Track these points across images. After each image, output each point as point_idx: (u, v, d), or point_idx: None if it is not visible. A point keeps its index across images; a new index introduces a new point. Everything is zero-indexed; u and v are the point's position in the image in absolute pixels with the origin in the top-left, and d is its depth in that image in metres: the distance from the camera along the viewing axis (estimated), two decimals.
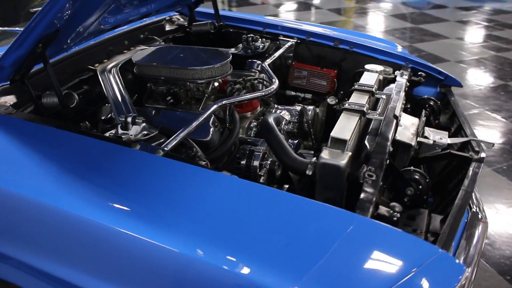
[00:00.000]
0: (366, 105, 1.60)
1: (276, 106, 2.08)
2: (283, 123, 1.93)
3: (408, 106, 1.97)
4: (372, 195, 1.20)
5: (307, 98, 2.34)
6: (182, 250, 0.97)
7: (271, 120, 1.61)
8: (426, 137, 1.61)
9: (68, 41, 1.56)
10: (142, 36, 2.29)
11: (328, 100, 2.08)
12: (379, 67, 2.00)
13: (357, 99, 1.70)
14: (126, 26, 2.16)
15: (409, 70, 2.13)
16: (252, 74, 2.07)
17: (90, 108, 1.83)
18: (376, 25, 7.10)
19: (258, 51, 2.33)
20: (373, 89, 1.74)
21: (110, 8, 1.60)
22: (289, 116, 1.98)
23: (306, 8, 8.11)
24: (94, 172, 1.20)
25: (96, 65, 1.93)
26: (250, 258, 0.96)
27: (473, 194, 1.43)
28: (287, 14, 7.49)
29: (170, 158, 1.25)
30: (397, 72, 2.03)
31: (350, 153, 1.38)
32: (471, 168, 1.49)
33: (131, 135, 1.43)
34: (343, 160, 1.34)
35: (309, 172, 1.39)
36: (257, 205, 1.12)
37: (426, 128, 1.68)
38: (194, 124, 1.51)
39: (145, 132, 1.47)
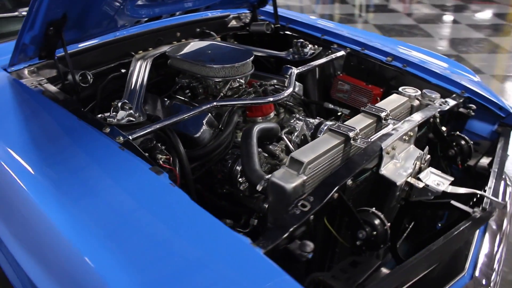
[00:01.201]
0: (357, 130, 1.42)
1: (296, 116, 1.98)
2: (292, 134, 1.83)
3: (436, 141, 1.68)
4: (289, 227, 1.08)
5: (345, 113, 2.17)
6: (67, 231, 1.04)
7: (253, 128, 1.56)
8: (419, 178, 1.36)
9: (92, 28, 1.74)
10: (198, 30, 2.39)
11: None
12: (414, 91, 1.75)
13: (357, 121, 1.53)
14: (181, 18, 2.29)
15: (461, 99, 1.81)
16: (282, 79, 2.01)
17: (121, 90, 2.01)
18: None
19: (306, 57, 2.24)
20: (382, 114, 1.54)
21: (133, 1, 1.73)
22: (303, 128, 1.87)
23: (438, 20, 7.32)
24: (48, 141, 1.33)
25: (140, 52, 2.11)
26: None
27: None
28: (421, 24, 6.88)
29: (126, 148, 1.31)
30: (438, 100, 1.75)
31: (304, 177, 1.26)
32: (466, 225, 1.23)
33: (116, 119, 1.54)
34: (291, 183, 1.24)
35: (259, 188, 1.32)
36: (162, 212, 1.11)
37: (429, 169, 1.42)
38: (174, 119, 1.56)
39: (130, 118, 1.57)
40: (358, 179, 1.30)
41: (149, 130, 1.47)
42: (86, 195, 1.14)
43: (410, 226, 1.51)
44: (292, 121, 1.91)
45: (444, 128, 1.71)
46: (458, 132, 1.70)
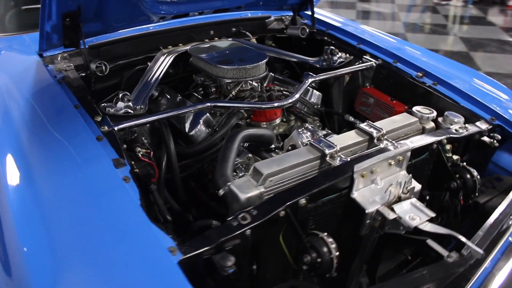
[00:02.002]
0: (336, 147, 1.32)
1: (306, 125, 1.90)
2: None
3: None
4: (218, 238, 1.05)
5: None
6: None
7: (238, 133, 1.52)
8: (393, 209, 1.22)
9: (114, 21, 1.83)
10: (234, 29, 2.40)
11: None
12: (429, 112, 1.58)
13: (345, 138, 1.43)
14: (217, 16, 2.32)
15: (487, 127, 1.60)
16: (295, 86, 1.95)
17: None
18: None
19: (334, 65, 2.14)
20: (375, 133, 1.41)
21: None
22: (294, 138, 1.79)
23: None
24: (39, 122, 1.44)
25: (169, 47, 2.18)
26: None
27: None
28: None
29: (108, 137, 1.37)
30: (458, 125, 1.56)
31: (262, 190, 1.21)
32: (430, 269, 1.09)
33: (114, 109, 1.61)
34: (246, 193, 1.20)
35: (220, 193, 1.29)
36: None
37: (411, 200, 1.27)
38: (166, 114, 1.59)
39: (127, 110, 1.63)
40: (320, 199, 1.21)
41: (136, 122, 1.52)
42: (42, 175, 1.21)
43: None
44: (300, 130, 1.84)
45: (455, 157, 1.52)
46: (464, 164, 1.49)
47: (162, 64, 1.99)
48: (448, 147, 1.50)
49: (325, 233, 1.14)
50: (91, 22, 1.78)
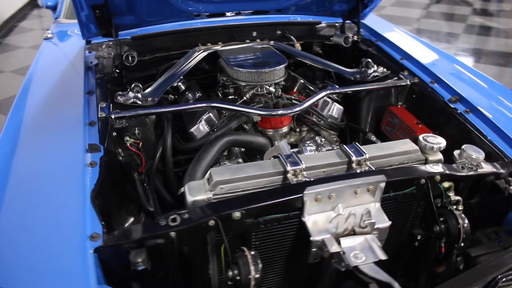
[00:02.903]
0: (301, 165, 1.24)
1: (316, 138, 1.80)
2: None
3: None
4: (139, 234, 1.07)
5: None
6: None
7: (222, 137, 1.52)
8: (339, 242, 1.11)
9: (146, 16, 1.94)
10: (279, 32, 2.37)
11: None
12: (436, 142, 1.39)
13: (322, 156, 1.33)
14: (263, 18, 2.30)
15: (506, 170, 1.36)
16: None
17: None
18: None
19: (367, 79, 2.00)
20: (354, 157, 1.29)
21: None
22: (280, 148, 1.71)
23: None
24: (51, 101, 1.61)
25: (208, 44, 2.24)
26: None
27: None
28: None
29: (101, 123, 1.48)
30: (465, 162, 1.35)
31: (210, 195, 1.20)
32: None
33: (123, 98, 1.71)
34: (194, 196, 1.20)
35: (179, 192, 1.31)
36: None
37: (367, 236, 1.13)
38: (162, 109, 1.65)
39: (135, 100, 1.72)
40: (263, 217, 1.15)
41: (134, 113, 1.59)
42: (24, 147, 1.35)
43: None
44: (308, 143, 1.77)
45: (456, 198, 1.32)
46: (454, 207, 1.28)
47: (192, 60, 2.05)
48: (447, 184, 1.31)
49: (253, 252, 1.08)
50: (123, 15, 1.91)
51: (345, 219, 1.13)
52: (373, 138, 1.87)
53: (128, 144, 1.55)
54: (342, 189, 1.17)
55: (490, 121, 1.54)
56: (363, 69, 2.03)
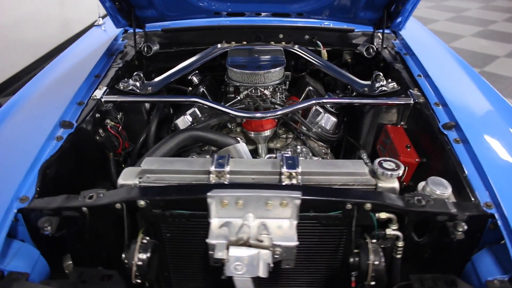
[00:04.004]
0: (226, 168, 1.24)
1: (298, 147, 1.75)
2: None
3: None
4: (56, 204, 1.18)
5: None
6: None
7: (181, 132, 1.57)
8: (227, 249, 1.08)
9: (168, 11, 2.06)
10: (307, 37, 2.32)
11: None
12: (391, 168, 1.26)
13: (255, 164, 1.31)
14: (292, 20, 2.28)
15: (457, 212, 1.18)
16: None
17: None
18: None
19: (373, 93, 1.86)
20: (285, 169, 1.24)
21: None
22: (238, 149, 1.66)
23: None
24: (62, 77, 1.82)
25: (233, 43, 2.29)
26: None
27: None
28: None
29: (87, 104, 1.65)
30: (431, 195, 1.21)
31: (136, 182, 1.28)
32: None
33: (123, 85, 1.85)
34: (123, 180, 1.28)
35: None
36: None
37: (258, 251, 1.08)
38: (150, 99, 1.76)
39: (133, 88, 1.85)
40: (170, 210, 1.18)
41: (122, 99, 1.74)
42: (12, 115, 1.57)
43: None
44: (286, 151, 1.74)
45: (396, 233, 1.19)
46: (368, 239, 1.14)
47: (208, 56, 2.12)
48: (384, 216, 1.18)
49: (146, 240, 1.13)
50: (145, 9, 2.06)
51: (238, 228, 1.10)
52: (364, 156, 1.75)
53: (108, 127, 1.68)
54: (249, 198, 1.14)
55: (475, 157, 1.34)
56: (372, 82, 1.90)
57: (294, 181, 1.24)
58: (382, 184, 1.26)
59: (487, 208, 1.18)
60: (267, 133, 1.77)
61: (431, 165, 1.52)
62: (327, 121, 1.84)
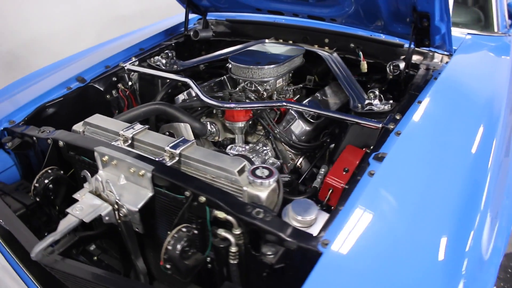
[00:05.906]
0: (130, 135, 1.44)
1: (258, 145, 1.78)
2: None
3: None
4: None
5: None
6: None
7: (156, 104, 1.78)
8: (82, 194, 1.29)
9: (215, 2, 2.29)
10: (352, 45, 2.22)
11: None
12: (265, 176, 1.24)
13: (153, 137, 1.46)
14: (340, 26, 2.23)
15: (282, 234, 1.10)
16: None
17: None
18: None
19: (357, 110, 1.73)
20: (168, 148, 1.36)
21: None
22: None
23: None
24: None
25: (280, 40, 2.39)
26: None
27: None
28: None
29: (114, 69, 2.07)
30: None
31: (81, 130, 1.58)
32: None
33: (155, 60, 2.18)
34: (79, 128, 1.60)
35: None
36: None
37: (98, 201, 1.25)
38: (163, 74, 2.06)
39: (158, 63, 2.16)
40: (75, 154, 1.46)
41: (138, 70, 2.07)
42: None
43: None
44: (245, 146, 1.81)
45: (225, 235, 1.19)
46: (186, 229, 1.14)
47: (243, 48, 2.28)
48: (222, 215, 1.17)
49: (51, 171, 1.46)
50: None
51: (94, 182, 1.30)
52: (322, 170, 1.67)
53: (119, 90, 2.04)
54: (119, 161, 1.32)
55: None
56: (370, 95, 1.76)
57: (174, 161, 1.35)
58: (248, 189, 1.25)
59: (322, 246, 1.07)
60: (240, 124, 1.85)
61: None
62: (297, 127, 1.80)
